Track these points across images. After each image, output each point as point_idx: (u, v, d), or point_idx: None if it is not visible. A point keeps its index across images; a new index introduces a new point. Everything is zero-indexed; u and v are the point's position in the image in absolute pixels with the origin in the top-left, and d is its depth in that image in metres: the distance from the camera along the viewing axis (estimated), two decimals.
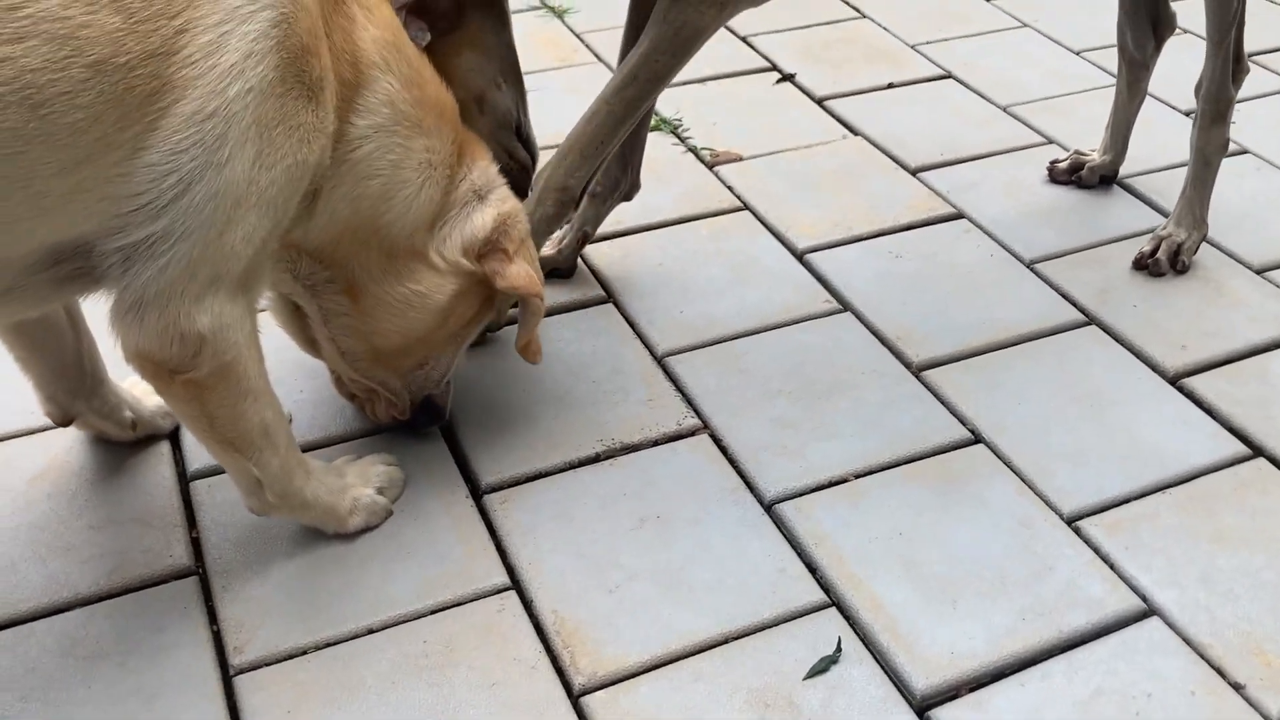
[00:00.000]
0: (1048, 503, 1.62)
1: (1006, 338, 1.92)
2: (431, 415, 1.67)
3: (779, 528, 1.58)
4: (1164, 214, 2.21)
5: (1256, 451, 1.71)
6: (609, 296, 2.01)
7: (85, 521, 1.58)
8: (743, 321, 1.95)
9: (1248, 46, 2.02)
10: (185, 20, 1.14)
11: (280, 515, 1.50)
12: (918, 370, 1.85)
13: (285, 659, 1.40)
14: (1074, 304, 2.00)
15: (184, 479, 1.64)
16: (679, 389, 1.81)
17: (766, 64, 2.77)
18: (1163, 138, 2.43)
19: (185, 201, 1.18)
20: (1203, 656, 1.42)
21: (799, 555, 1.54)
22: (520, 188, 1.72)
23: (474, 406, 1.75)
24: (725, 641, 1.42)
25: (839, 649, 1.42)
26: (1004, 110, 2.59)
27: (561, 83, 2.65)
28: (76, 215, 1.16)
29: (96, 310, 1.32)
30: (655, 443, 1.71)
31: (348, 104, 1.33)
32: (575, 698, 1.36)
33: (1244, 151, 2.43)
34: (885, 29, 2.93)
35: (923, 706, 1.36)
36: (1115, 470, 1.67)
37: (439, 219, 1.48)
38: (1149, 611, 1.48)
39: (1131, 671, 1.40)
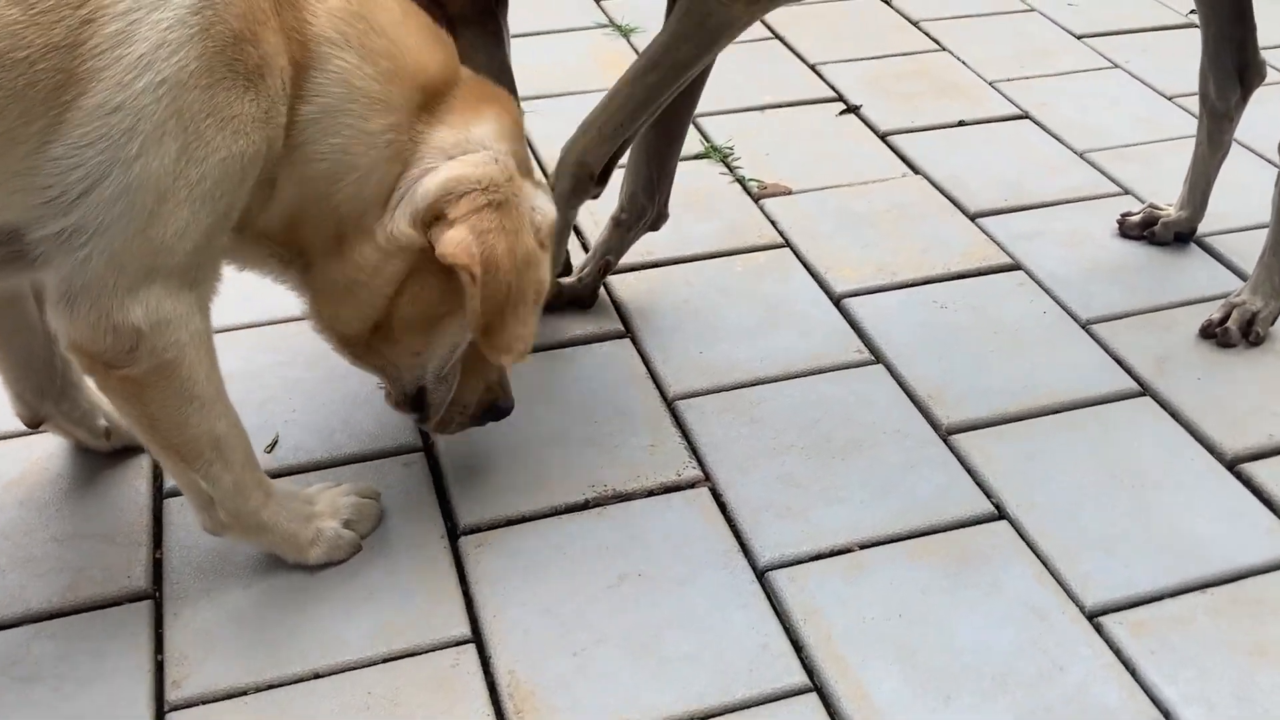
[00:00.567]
0: (1069, 592, 1.47)
1: (1049, 404, 1.77)
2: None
3: (769, 597, 1.46)
4: (1242, 278, 2.03)
5: None
6: (626, 331, 1.91)
7: (51, 533, 1.53)
8: (764, 367, 1.83)
9: None
10: (91, 10, 1.10)
11: (235, 536, 1.43)
12: (946, 433, 1.72)
13: (223, 698, 1.33)
14: (1128, 371, 1.84)
15: (159, 496, 1.59)
16: (685, 435, 1.70)
17: (832, 93, 2.64)
18: (1249, 195, 2.24)
19: (94, 196, 1.15)
20: None
21: (785, 630, 1.41)
22: None
23: (464, 439, 1.66)
24: None
25: None
26: (1080, 155, 2.42)
27: None
28: None
29: None
30: (650, 493, 1.60)
31: (298, 87, 1.26)
32: None
33: None
34: (963, 62, 2.78)
35: None
36: (1149, 561, 1.51)
37: (395, 194, 1.36)
38: None
39: None
